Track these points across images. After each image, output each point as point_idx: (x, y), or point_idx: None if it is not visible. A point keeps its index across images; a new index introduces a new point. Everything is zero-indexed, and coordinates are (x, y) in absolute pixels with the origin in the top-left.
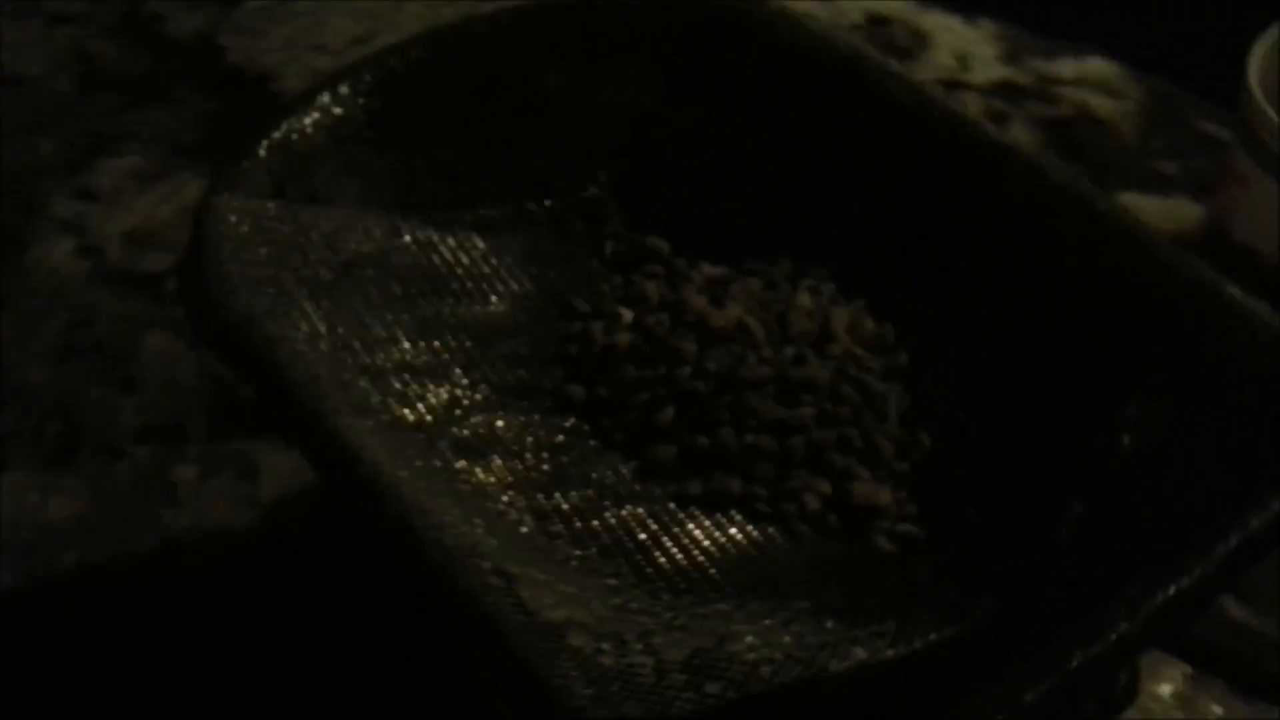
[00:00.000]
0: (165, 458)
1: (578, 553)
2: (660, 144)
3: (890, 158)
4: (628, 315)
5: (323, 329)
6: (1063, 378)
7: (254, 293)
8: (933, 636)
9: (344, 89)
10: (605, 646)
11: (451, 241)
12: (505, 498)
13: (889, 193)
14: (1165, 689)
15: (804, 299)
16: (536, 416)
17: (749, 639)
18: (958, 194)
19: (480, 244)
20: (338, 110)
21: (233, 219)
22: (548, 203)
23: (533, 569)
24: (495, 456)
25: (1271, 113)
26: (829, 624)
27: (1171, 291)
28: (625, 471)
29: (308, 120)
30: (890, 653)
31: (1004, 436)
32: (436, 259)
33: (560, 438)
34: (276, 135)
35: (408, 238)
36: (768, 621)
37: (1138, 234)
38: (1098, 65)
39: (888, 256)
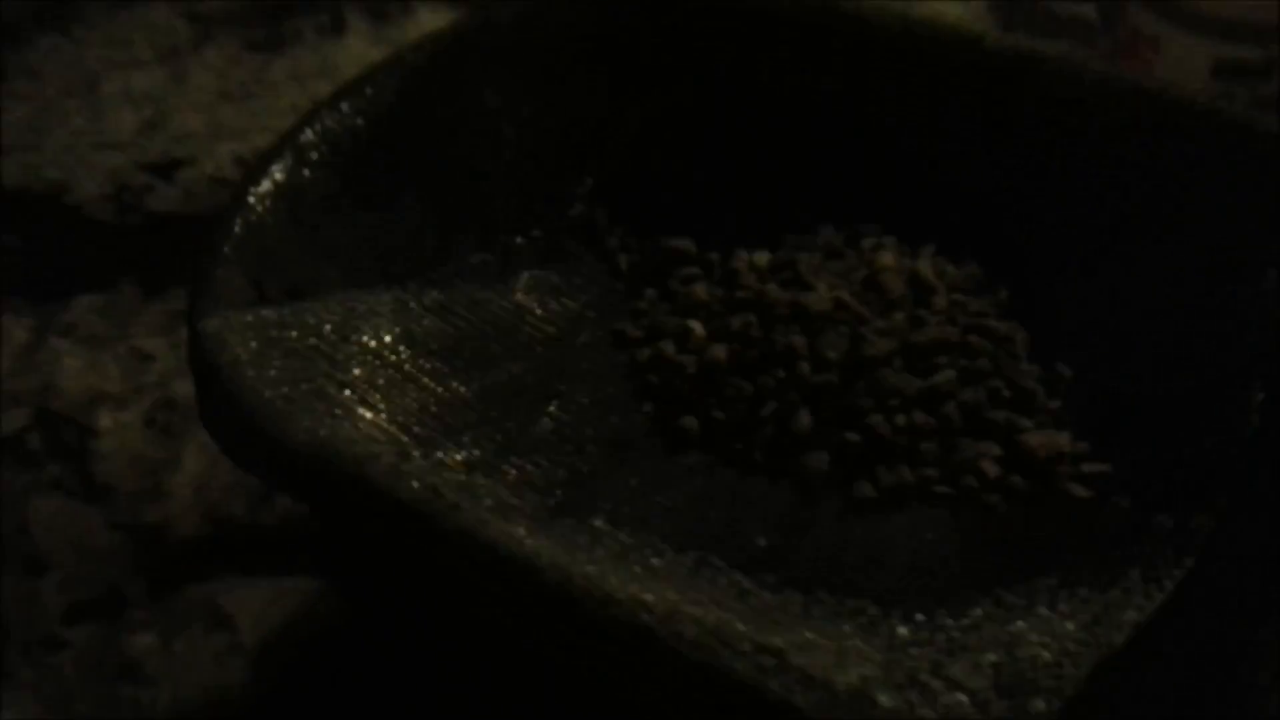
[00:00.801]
0: (111, 633)
1: (800, 597)
2: (634, 142)
3: (890, 88)
4: (698, 327)
5: (399, 433)
6: (1171, 265)
7: (309, 416)
8: (1177, 572)
9: (287, 164)
10: (914, 697)
11: (461, 298)
12: (689, 559)
13: (904, 126)
14: None
15: (884, 258)
16: (658, 464)
17: (1033, 637)
18: (976, 111)
19: (488, 293)
20: (289, 189)
21: (236, 341)
22: (535, 233)
23: (782, 631)
24: (654, 518)
25: None
26: (1083, 592)
27: (1255, 148)
28: (784, 494)
29: (260, 208)
30: (1153, 601)
31: (1139, 348)
32: (458, 321)
33: (698, 480)
34: (237, 232)
35: (415, 306)
36: (1032, 610)
37: (1196, 102)
38: None
39: (926, 194)
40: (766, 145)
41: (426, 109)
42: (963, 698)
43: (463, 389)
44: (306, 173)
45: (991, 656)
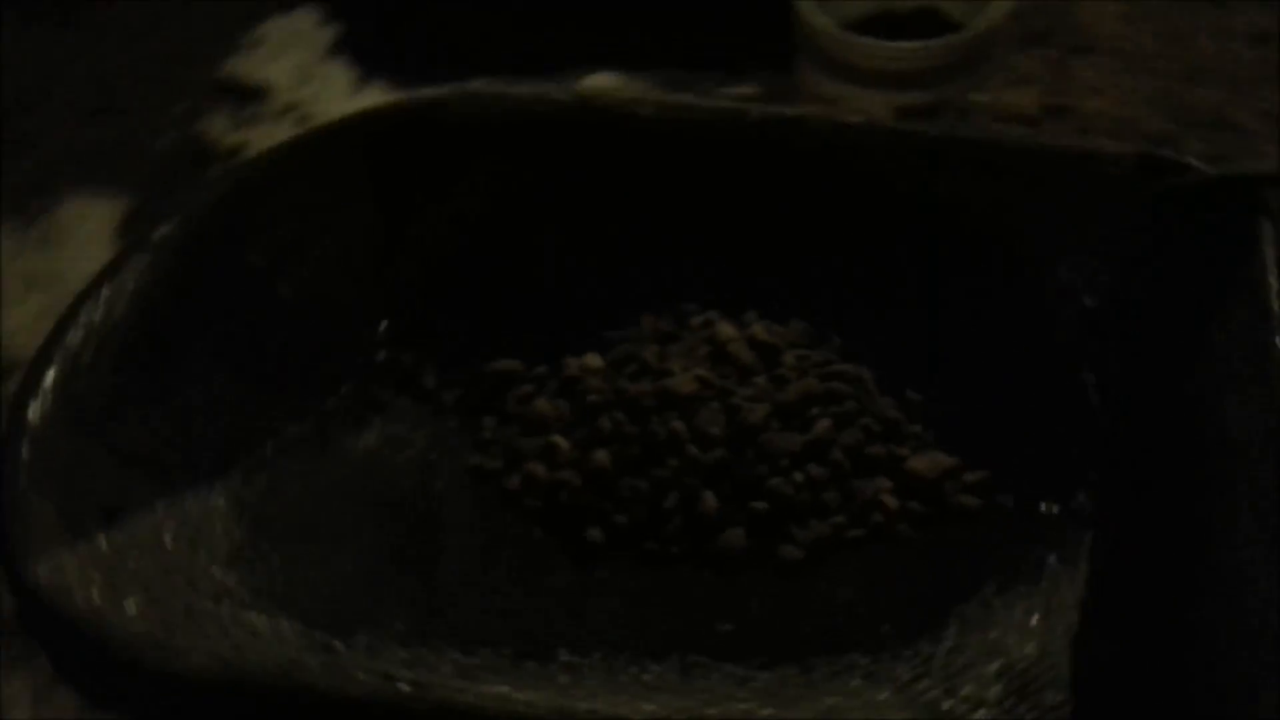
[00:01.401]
0: None
1: (795, 669)
2: (420, 274)
3: (659, 170)
4: (562, 442)
5: (304, 629)
6: (978, 280)
7: (199, 639)
8: (1084, 547)
9: (57, 371)
10: None
11: (293, 477)
12: (674, 664)
13: (686, 205)
14: None
15: (723, 329)
16: (577, 583)
17: (1012, 639)
18: (755, 178)
19: (318, 465)
20: (66, 398)
21: (78, 584)
22: (344, 390)
23: (808, 707)
24: (611, 635)
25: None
26: (1023, 589)
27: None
28: (713, 577)
29: (43, 425)
30: (1081, 576)
31: (971, 361)
32: (302, 502)
33: (627, 587)
34: (25, 458)
35: (249, 496)
36: (994, 617)
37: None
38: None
39: (725, 265)
40: (556, 248)
41: (189, 286)
42: (985, 713)
43: (347, 567)
44: (80, 378)
45: (991, 666)
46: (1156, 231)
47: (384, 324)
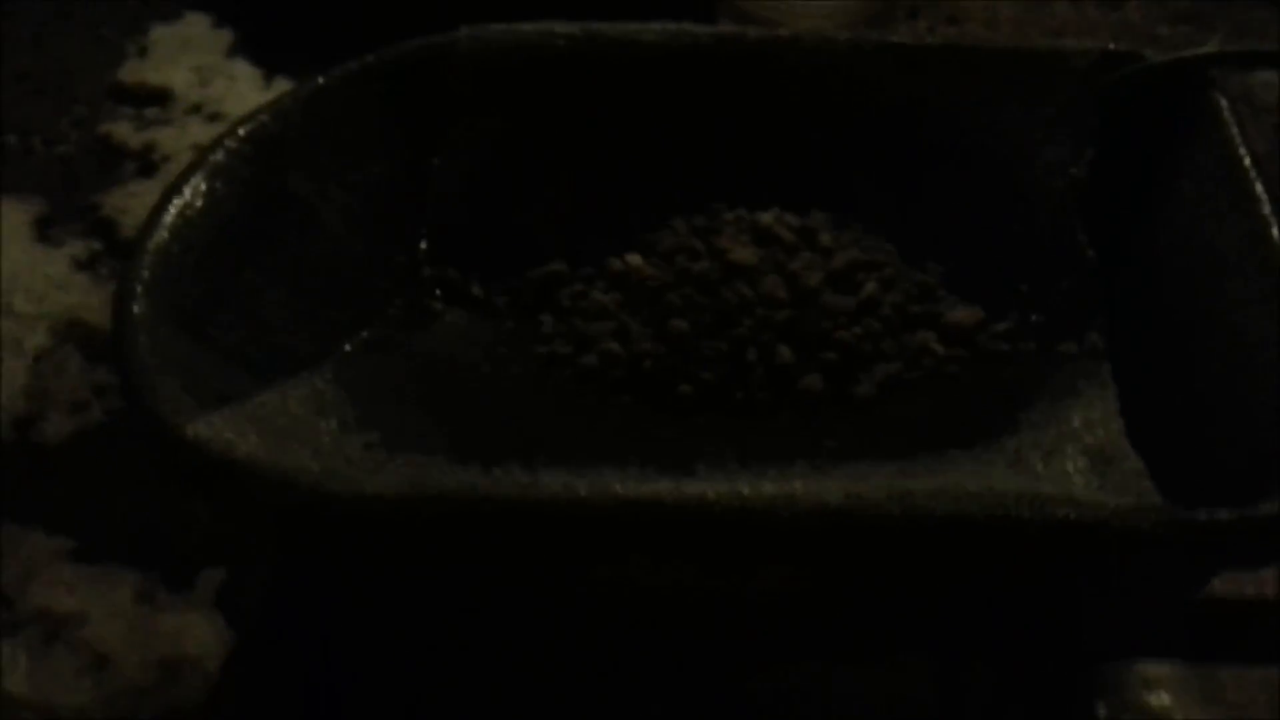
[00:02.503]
0: None
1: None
2: (456, 193)
3: (671, 88)
4: (633, 323)
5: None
6: (976, 167)
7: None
8: (1103, 377)
9: (162, 271)
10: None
11: (377, 366)
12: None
13: (711, 119)
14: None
15: (763, 216)
16: (676, 433)
17: (1078, 424)
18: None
19: (395, 359)
20: (171, 296)
21: (237, 435)
22: (398, 302)
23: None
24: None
25: None
26: (1068, 402)
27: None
28: (801, 415)
29: (154, 320)
30: (1108, 401)
31: (979, 239)
32: (400, 381)
33: (728, 431)
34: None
35: (348, 375)
36: (1054, 419)
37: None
38: None
39: (744, 171)
40: (578, 164)
41: (248, 211)
42: (1080, 479)
43: (459, 434)
44: (173, 276)
45: (1072, 447)
46: (1124, 110)
47: (423, 243)
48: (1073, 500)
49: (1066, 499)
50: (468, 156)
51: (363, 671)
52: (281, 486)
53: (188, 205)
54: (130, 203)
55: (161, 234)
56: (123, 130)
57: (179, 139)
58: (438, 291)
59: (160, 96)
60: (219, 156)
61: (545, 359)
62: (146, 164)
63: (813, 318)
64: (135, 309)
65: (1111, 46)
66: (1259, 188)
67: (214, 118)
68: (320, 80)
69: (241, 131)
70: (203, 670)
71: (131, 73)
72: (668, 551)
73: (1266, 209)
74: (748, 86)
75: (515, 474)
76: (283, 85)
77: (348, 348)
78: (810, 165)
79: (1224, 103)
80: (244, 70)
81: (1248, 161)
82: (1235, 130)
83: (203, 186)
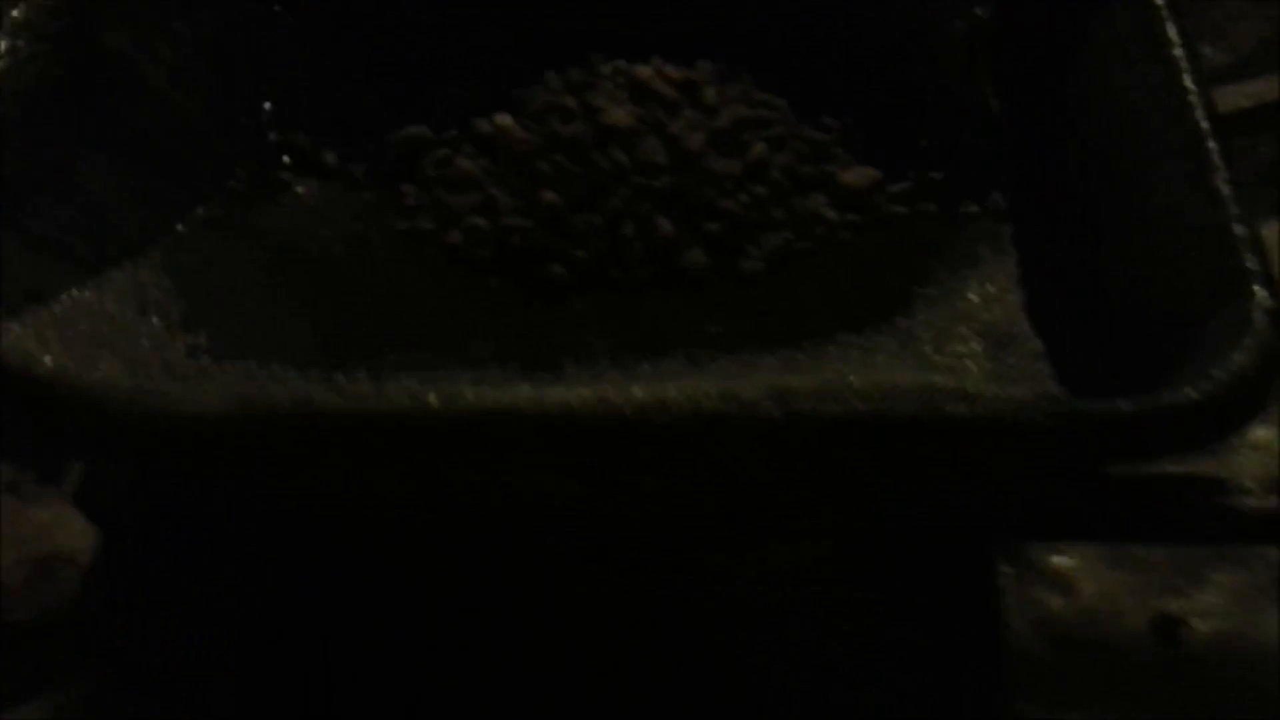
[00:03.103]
0: None
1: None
2: (300, 47)
3: None
4: (499, 193)
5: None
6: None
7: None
8: (1006, 238)
9: None
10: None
11: (222, 244)
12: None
13: None
14: None
15: (641, 70)
16: (553, 318)
17: (976, 300)
18: None
19: (238, 242)
20: None
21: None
22: (240, 173)
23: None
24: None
25: None
26: (968, 271)
27: None
28: (683, 296)
29: None
30: (1008, 257)
31: (870, 82)
32: (246, 262)
33: (604, 312)
34: None
35: (189, 258)
36: (958, 293)
37: None
38: None
39: (614, 14)
40: (449, 6)
41: (60, 75)
42: (975, 364)
43: (305, 325)
44: None
45: (966, 328)
46: None
47: (267, 104)
48: (964, 394)
49: (958, 392)
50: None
51: (234, 568)
52: (86, 409)
53: None
54: None
55: None
56: None
57: None
58: (285, 160)
59: None
60: (20, 12)
61: (406, 236)
62: None
63: (695, 184)
64: None
65: None
66: (1173, 31)
67: None
68: None
69: None
70: (76, 565)
71: None
72: (531, 465)
73: (1181, 54)
74: None
75: (360, 382)
76: None
77: (180, 228)
78: (696, 5)
79: None
80: None
81: (1162, 2)
82: None
83: (2, 47)
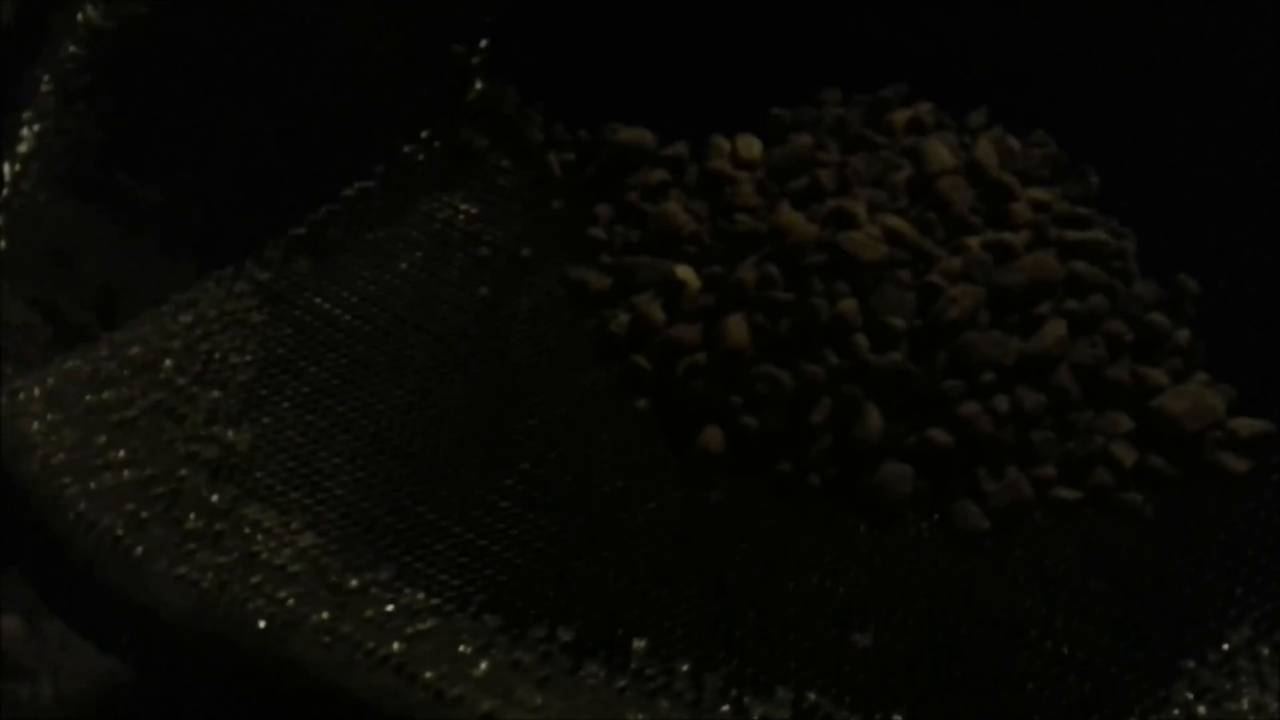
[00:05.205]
0: None
1: None
2: None
3: None
4: (690, 277)
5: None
6: None
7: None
8: None
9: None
10: None
11: (343, 268)
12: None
13: None
14: None
15: (935, 151)
16: (677, 511)
17: None
18: None
19: (375, 257)
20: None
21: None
22: (425, 134)
23: None
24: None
25: None
26: None
27: None
28: (858, 534)
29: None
30: None
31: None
32: (341, 312)
33: (736, 526)
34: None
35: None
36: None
37: None
38: None
39: (939, 32)
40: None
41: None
42: None
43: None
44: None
45: None
46: None
47: (484, 42)
48: None
49: None
50: None
51: None
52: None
53: None
54: None
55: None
56: None
57: None
58: (482, 121)
59: None
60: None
61: (572, 290)
62: None
63: (937, 369)
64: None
65: None
66: None
67: None
68: None
69: None
70: None
71: None
72: None
73: None
74: None
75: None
76: None
77: (320, 214)
78: (1065, 37)
79: None
80: None
81: None
82: None
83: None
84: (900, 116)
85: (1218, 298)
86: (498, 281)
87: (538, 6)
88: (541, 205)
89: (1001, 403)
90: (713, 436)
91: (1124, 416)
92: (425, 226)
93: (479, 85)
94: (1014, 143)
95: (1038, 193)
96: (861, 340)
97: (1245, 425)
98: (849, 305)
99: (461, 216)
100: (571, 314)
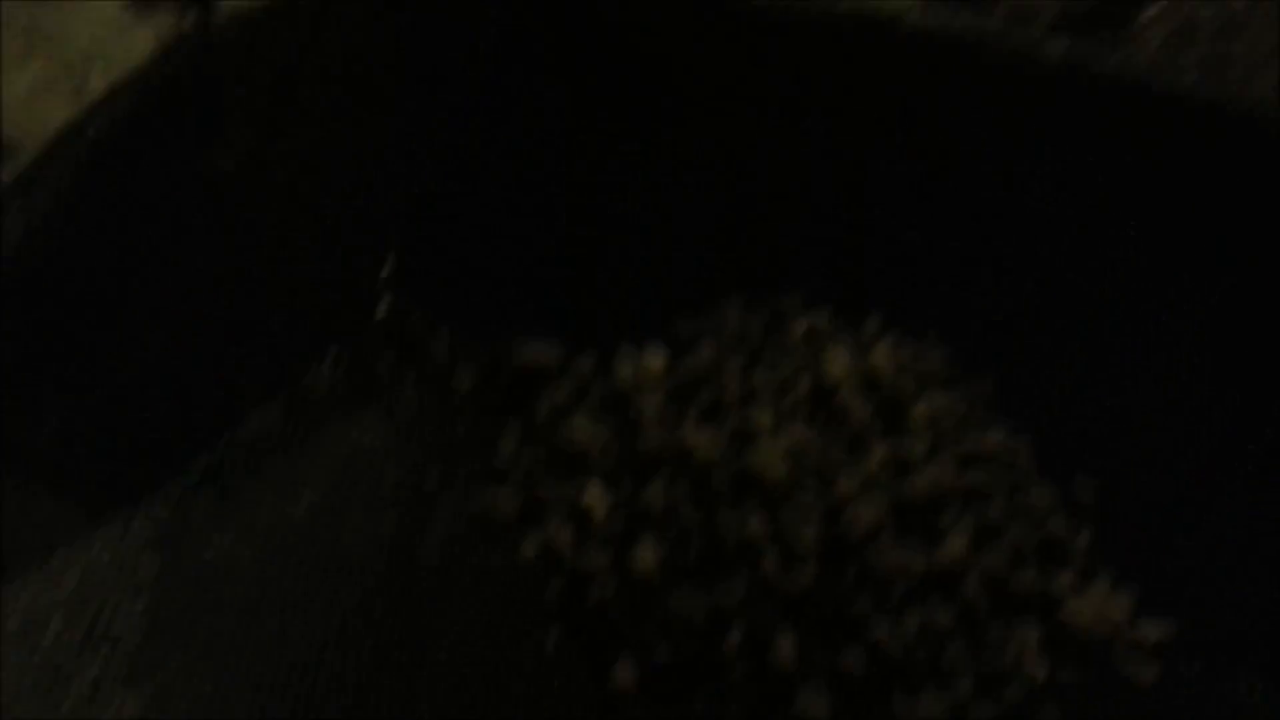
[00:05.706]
0: None
1: None
2: (442, 201)
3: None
4: (597, 502)
5: None
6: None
7: None
8: None
9: None
10: None
11: (237, 509)
12: None
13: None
14: None
15: (833, 362)
16: None
17: None
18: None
19: (273, 495)
20: None
21: None
22: (331, 355)
23: None
24: None
25: None
26: None
27: None
28: None
29: None
30: None
31: (1166, 435)
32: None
33: None
34: None
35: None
36: None
37: None
38: None
39: (831, 242)
40: (619, 188)
41: (122, 198)
42: None
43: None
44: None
45: None
46: None
47: (391, 259)
48: None
49: None
50: (469, 139)
51: None
52: None
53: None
54: None
55: None
56: None
57: None
58: (389, 342)
59: None
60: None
61: (480, 521)
62: None
63: (847, 587)
64: None
65: None
66: None
67: None
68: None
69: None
70: None
71: None
72: None
73: None
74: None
75: None
76: None
77: (218, 451)
78: (949, 244)
79: None
80: None
81: None
82: None
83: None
84: (799, 327)
85: (1117, 497)
86: (403, 515)
87: (439, 224)
88: (447, 429)
89: (913, 620)
90: (625, 673)
91: (1031, 629)
92: (321, 463)
93: (385, 302)
94: (909, 349)
95: (934, 397)
96: (770, 561)
97: (1151, 630)
98: (755, 527)
99: (363, 444)
100: (480, 544)
